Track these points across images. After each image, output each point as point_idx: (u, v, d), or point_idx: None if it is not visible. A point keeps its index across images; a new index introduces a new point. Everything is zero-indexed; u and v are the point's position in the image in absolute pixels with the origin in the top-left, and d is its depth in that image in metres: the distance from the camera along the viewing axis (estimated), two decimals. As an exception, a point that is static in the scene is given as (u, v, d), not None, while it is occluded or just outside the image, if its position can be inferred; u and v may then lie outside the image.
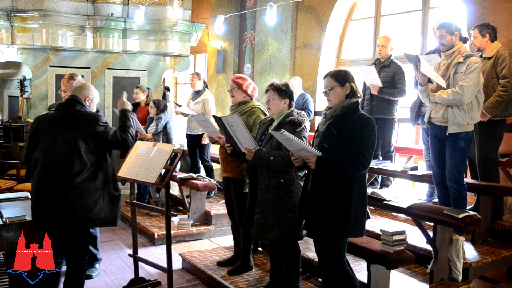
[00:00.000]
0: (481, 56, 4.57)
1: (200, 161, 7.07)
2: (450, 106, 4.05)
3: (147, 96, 7.04)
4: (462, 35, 4.19)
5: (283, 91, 3.66)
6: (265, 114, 4.19)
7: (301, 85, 7.11)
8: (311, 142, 3.38)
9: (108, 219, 3.62)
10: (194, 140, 6.93)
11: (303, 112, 3.74)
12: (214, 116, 3.82)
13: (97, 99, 3.85)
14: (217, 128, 4.09)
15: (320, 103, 7.40)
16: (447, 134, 4.09)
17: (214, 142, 4.23)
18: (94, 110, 3.86)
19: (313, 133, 3.44)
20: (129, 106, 3.92)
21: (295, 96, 3.80)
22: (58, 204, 3.44)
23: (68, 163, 3.46)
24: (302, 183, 3.54)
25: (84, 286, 3.77)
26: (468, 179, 4.52)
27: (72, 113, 3.60)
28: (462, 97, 3.95)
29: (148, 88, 7.24)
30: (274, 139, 3.46)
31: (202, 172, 7.04)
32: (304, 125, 3.60)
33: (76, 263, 3.64)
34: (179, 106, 7.04)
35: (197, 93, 6.82)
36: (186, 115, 6.88)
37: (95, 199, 3.52)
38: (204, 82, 6.93)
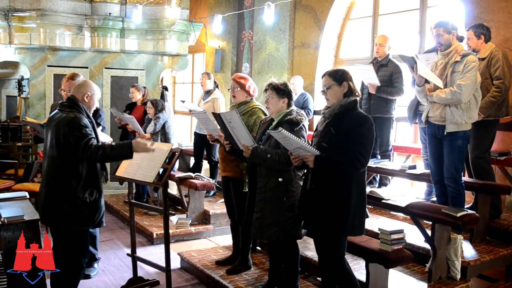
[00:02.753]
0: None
1: (207, 160, 7.06)
2: (448, 105, 4.05)
3: (143, 95, 7.02)
4: (458, 34, 4.19)
5: (282, 90, 3.66)
6: (265, 114, 4.19)
7: (302, 85, 7.11)
8: (310, 142, 3.39)
9: (75, 223, 3.62)
10: (202, 139, 6.88)
11: (302, 111, 3.74)
12: (213, 113, 3.82)
13: (97, 95, 3.87)
14: (218, 126, 4.10)
15: (319, 102, 7.40)
16: (445, 133, 4.10)
17: (214, 140, 4.22)
18: (96, 105, 3.91)
19: (312, 133, 3.44)
20: (144, 150, 3.66)
21: (296, 96, 3.81)
22: (39, 201, 3.68)
23: (49, 162, 3.64)
24: (301, 183, 3.54)
25: (78, 287, 3.78)
26: (466, 178, 4.52)
27: (60, 112, 3.69)
28: (461, 96, 3.96)
29: (144, 87, 7.22)
30: (273, 138, 3.46)
31: (202, 171, 7.04)
32: (303, 124, 3.60)
33: (70, 263, 3.65)
34: (183, 101, 7.01)
35: (207, 93, 6.82)
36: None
37: (62, 200, 3.57)
38: (215, 82, 6.92)
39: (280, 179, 3.58)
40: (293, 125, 3.55)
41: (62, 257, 3.63)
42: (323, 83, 3.26)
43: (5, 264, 3.12)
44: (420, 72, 4.00)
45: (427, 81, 4.14)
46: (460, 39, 4.21)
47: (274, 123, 3.68)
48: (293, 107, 3.74)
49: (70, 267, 3.66)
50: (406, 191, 4.66)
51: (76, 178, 3.59)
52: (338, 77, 3.21)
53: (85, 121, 3.64)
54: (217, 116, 3.70)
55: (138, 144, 3.59)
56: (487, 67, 4.50)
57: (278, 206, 3.58)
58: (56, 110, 3.77)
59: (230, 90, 4.29)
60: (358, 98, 3.23)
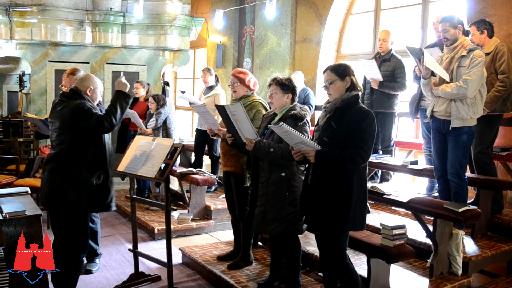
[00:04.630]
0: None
1: (208, 155, 7.07)
2: (453, 100, 4.03)
3: (147, 92, 7.03)
4: (464, 28, 4.17)
5: (286, 86, 3.66)
6: (265, 108, 4.19)
7: (303, 80, 7.10)
8: (311, 136, 3.38)
9: (81, 206, 3.65)
10: (204, 135, 6.89)
11: (305, 106, 3.73)
12: (216, 105, 3.80)
13: (100, 89, 3.94)
14: (218, 120, 4.09)
15: (320, 97, 7.39)
16: (450, 129, 4.08)
17: (213, 135, 4.22)
18: (98, 99, 3.98)
19: (313, 128, 3.44)
20: (126, 87, 3.90)
21: (297, 91, 3.81)
22: (43, 188, 3.73)
23: (57, 149, 3.68)
24: (303, 177, 3.54)
25: (77, 284, 3.79)
26: (468, 173, 4.51)
27: (63, 102, 3.72)
28: (466, 91, 3.93)
29: (148, 84, 7.23)
30: (275, 133, 3.46)
31: (203, 167, 7.05)
32: (306, 119, 3.61)
33: (69, 257, 3.65)
34: (183, 92, 7.01)
35: (209, 88, 6.83)
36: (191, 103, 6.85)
37: (69, 184, 3.61)
38: (216, 77, 6.92)
39: (282, 174, 3.58)
40: (297, 120, 3.55)
41: (61, 251, 3.64)
42: (326, 78, 3.25)
43: (7, 260, 3.13)
44: (427, 63, 3.98)
45: (433, 74, 4.12)
46: (466, 33, 4.18)
47: (277, 118, 3.67)
48: (296, 102, 3.74)
49: (69, 262, 3.66)
50: (407, 187, 4.66)
51: (84, 162, 3.64)
52: (341, 72, 3.20)
53: (89, 105, 3.71)
54: (221, 109, 3.68)
55: (121, 83, 3.89)
56: (492, 62, 4.48)
57: (281, 200, 3.58)
58: (58, 100, 3.81)
59: (230, 86, 4.28)
60: (360, 93, 3.22)
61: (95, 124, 3.59)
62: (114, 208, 3.91)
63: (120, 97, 3.79)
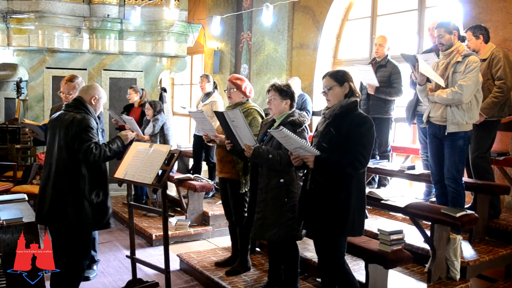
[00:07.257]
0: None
1: (205, 161, 7.08)
2: (449, 105, 4.05)
3: (140, 97, 7.02)
4: (460, 34, 4.19)
5: (284, 92, 3.67)
6: (261, 116, 4.19)
7: (300, 86, 7.12)
8: (310, 142, 3.39)
9: (82, 225, 3.64)
10: (201, 141, 6.89)
11: (304, 113, 3.75)
12: (215, 112, 3.81)
13: (104, 99, 3.95)
14: (214, 126, 4.10)
15: (318, 103, 7.41)
16: (446, 134, 4.09)
17: (209, 141, 4.21)
18: (101, 109, 3.99)
19: (312, 134, 3.45)
20: (128, 139, 3.93)
21: (295, 97, 3.82)
22: (42, 201, 3.67)
23: (58, 163, 3.65)
24: (302, 183, 3.54)
25: None
26: (465, 178, 4.52)
27: (68, 113, 3.71)
28: (462, 96, 3.95)
29: (142, 89, 7.22)
30: (275, 139, 3.46)
31: (201, 173, 7.05)
32: (305, 126, 3.62)
33: (71, 264, 3.64)
34: (184, 108, 7.05)
35: (207, 95, 6.83)
36: None
37: (70, 202, 3.59)
38: (214, 83, 6.93)
39: (281, 180, 3.58)
40: (295, 126, 3.55)
41: (63, 258, 3.63)
42: (324, 84, 3.26)
43: (4, 266, 3.12)
44: (422, 70, 4.00)
45: (428, 81, 4.14)
46: (462, 39, 4.20)
47: (275, 124, 3.68)
48: (295, 109, 3.75)
49: (71, 269, 3.66)
50: (405, 192, 4.65)
51: (84, 180, 3.63)
52: (340, 78, 3.22)
53: (93, 123, 3.71)
54: (220, 115, 3.69)
55: (125, 136, 3.88)
56: (488, 68, 4.50)
57: (280, 207, 3.58)
58: (62, 111, 3.80)
59: (226, 91, 4.28)
60: (358, 99, 3.23)
61: (83, 150, 3.57)
62: (112, 225, 3.91)
63: (121, 148, 3.86)
